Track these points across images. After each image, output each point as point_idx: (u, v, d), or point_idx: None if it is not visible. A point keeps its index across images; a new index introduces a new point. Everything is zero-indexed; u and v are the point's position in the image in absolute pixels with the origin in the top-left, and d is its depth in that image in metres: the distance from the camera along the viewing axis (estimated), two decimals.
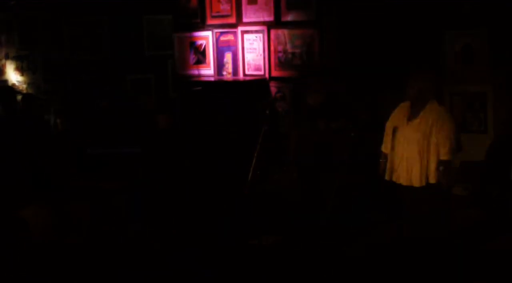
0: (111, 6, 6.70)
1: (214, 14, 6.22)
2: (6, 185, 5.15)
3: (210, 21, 6.26)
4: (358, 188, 4.66)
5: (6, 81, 7.03)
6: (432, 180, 3.67)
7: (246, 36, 5.95)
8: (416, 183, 3.73)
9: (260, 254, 4.24)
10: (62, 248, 4.44)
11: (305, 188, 4.86)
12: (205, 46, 6.37)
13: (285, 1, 5.53)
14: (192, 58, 6.51)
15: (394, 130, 3.86)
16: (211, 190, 5.18)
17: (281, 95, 5.67)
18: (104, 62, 6.77)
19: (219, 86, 6.02)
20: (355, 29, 5.00)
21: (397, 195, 3.88)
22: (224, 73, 6.19)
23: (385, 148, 3.98)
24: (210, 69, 6.35)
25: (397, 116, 3.91)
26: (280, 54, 5.67)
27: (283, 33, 5.61)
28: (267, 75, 5.79)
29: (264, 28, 5.74)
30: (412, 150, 3.72)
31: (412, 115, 3.78)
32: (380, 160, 4.02)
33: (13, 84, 6.93)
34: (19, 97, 6.60)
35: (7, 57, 7.02)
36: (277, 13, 5.62)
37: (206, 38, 6.33)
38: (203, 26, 6.32)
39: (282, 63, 5.66)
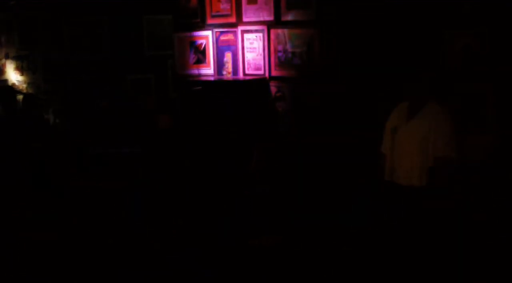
0: (111, 6, 6.70)
1: (214, 13, 6.22)
2: (6, 185, 5.16)
3: (210, 21, 6.26)
4: (358, 188, 4.66)
5: (6, 81, 7.03)
6: (431, 180, 3.66)
7: (246, 35, 5.95)
8: (416, 183, 3.72)
9: (260, 254, 4.24)
10: (62, 248, 4.44)
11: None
12: (205, 45, 6.37)
13: (285, 1, 5.52)
14: (192, 57, 6.51)
15: (394, 130, 3.86)
16: (211, 190, 5.18)
17: (281, 95, 5.67)
18: (104, 62, 6.77)
19: (219, 86, 6.01)
20: (355, 29, 4.99)
21: (397, 195, 3.87)
22: (224, 72, 6.19)
23: (385, 148, 3.98)
24: (210, 69, 6.35)
25: (396, 116, 3.91)
26: (280, 54, 5.66)
27: (283, 32, 5.60)
28: (267, 75, 5.79)
29: (264, 27, 5.74)
30: (411, 150, 3.72)
31: (411, 115, 3.78)
32: (380, 161, 4.02)
33: (13, 84, 6.94)
34: (19, 97, 6.61)
35: (7, 57, 7.02)
36: (277, 13, 5.61)
37: (206, 37, 6.33)
38: (203, 26, 6.32)
39: (282, 63, 5.66)
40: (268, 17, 5.69)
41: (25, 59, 6.95)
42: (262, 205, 4.84)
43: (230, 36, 6.12)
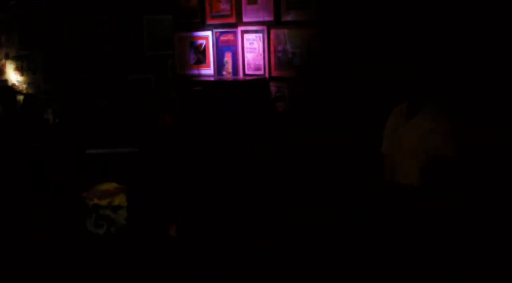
0: (111, 6, 6.70)
1: (214, 13, 6.22)
2: (6, 185, 5.15)
3: (210, 21, 6.27)
4: (358, 188, 4.66)
5: (6, 81, 7.02)
6: (431, 180, 3.67)
7: (246, 35, 5.95)
8: (416, 183, 3.72)
9: (260, 254, 4.23)
10: (62, 248, 4.43)
11: None
12: (205, 46, 6.38)
13: (285, 1, 5.53)
14: (192, 58, 6.51)
15: (394, 130, 3.86)
16: (211, 190, 5.18)
17: (281, 95, 5.67)
18: (104, 62, 6.77)
19: (219, 86, 6.02)
20: (355, 29, 4.99)
21: (397, 195, 3.88)
22: (224, 73, 6.19)
23: (385, 148, 3.98)
24: (210, 69, 6.36)
25: (396, 116, 3.91)
26: (280, 54, 5.67)
27: (283, 33, 5.61)
28: (267, 75, 5.79)
29: (264, 28, 5.74)
30: (411, 150, 3.72)
31: (411, 115, 3.78)
32: (380, 161, 4.02)
33: (13, 84, 6.93)
34: (19, 97, 6.61)
35: (7, 57, 7.02)
36: (277, 13, 5.62)
37: (206, 38, 6.34)
38: (203, 26, 6.33)
39: (282, 63, 5.66)
40: (268, 17, 5.70)
41: (25, 59, 6.95)
42: (262, 205, 4.84)
43: (230, 36, 6.12)
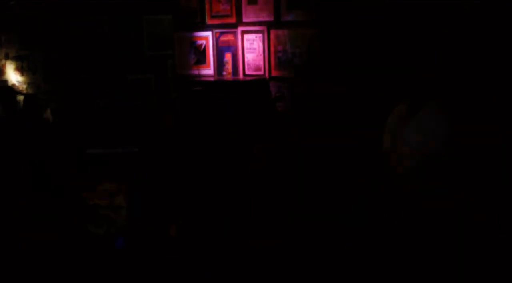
0: (111, 6, 6.70)
1: (214, 14, 6.22)
2: (6, 185, 5.15)
3: (210, 21, 6.27)
4: (358, 188, 4.66)
5: (6, 81, 7.02)
6: (431, 180, 3.67)
7: (246, 36, 5.95)
8: (416, 183, 3.72)
9: (260, 254, 4.23)
10: (62, 248, 4.43)
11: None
12: (205, 46, 6.38)
13: (285, 1, 5.53)
14: (192, 58, 6.51)
15: (394, 130, 3.86)
16: (211, 190, 5.18)
17: (281, 95, 5.67)
18: (104, 62, 6.77)
19: (219, 86, 6.02)
20: (355, 29, 5.00)
21: (397, 195, 3.87)
22: (224, 73, 6.19)
23: (385, 148, 3.98)
24: (210, 69, 6.36)
25: (396, 116, 3.91)
26: (280, 54, 5.67)
27: (283, 33, 5.61)
28: (267, 75, 5.79)
29: (264, 28, 5.74)
30: (411, 150, 3.72)
31: (411, 115, 3.78)
32: (380, 161, 4.02)
33: (13, 84, 6.93)
34: (19, 97, 6.60)
35: (7, 57, 7.02)
36: (277, 13, 5.62)
37: (206, 38, 6.34)
38: (203, 26, 6.33)
39: (282, 63, 5.66)
40: (268, 17, 5.70)
41: (25, 59, 6.94)
42: (262, 205, 4.84)
43: (230, 37, 6.12)
